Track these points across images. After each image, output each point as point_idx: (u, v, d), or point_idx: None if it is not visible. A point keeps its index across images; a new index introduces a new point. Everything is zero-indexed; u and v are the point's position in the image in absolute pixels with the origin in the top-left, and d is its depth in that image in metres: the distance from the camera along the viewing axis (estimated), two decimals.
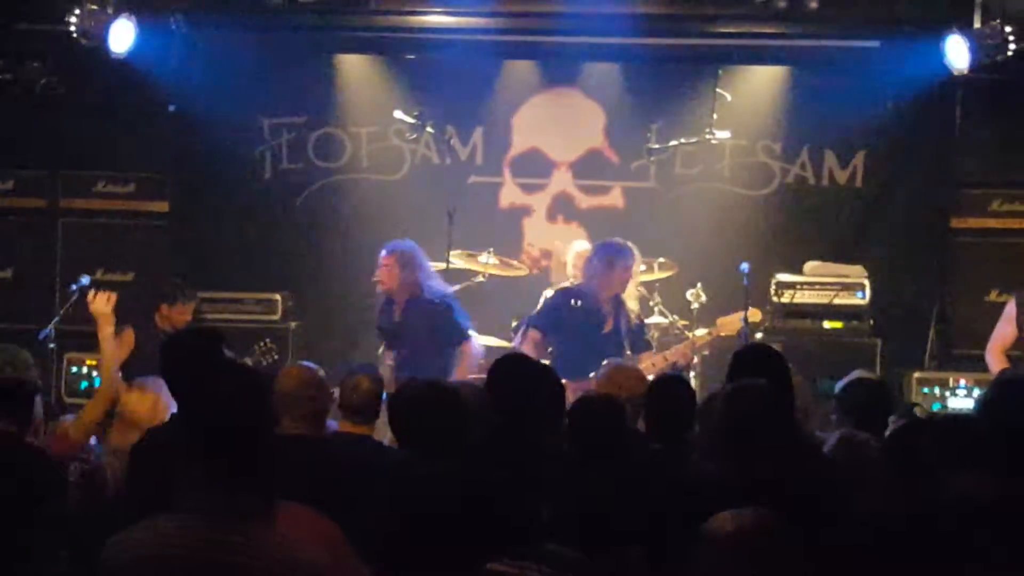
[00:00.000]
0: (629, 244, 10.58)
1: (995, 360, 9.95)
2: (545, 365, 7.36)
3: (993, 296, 12.37)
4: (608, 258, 10.48)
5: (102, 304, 9.06)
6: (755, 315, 10.87)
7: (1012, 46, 11.40)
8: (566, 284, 11.21)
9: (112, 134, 13.15)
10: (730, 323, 10.73)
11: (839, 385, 7.36)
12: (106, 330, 8.89)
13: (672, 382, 7.03)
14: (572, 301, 10.47)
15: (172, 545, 3.63)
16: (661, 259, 11.91)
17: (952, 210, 13.04)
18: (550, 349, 10.40)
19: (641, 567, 4.80)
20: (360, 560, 4.92)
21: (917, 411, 7.57)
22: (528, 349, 9.92)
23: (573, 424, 6.32)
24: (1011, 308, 9.98)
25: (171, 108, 13.15)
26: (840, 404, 7.20)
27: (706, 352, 11.18)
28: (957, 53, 11.47)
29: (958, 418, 5.88)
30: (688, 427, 6.66)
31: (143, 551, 3.66)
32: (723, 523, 3.96)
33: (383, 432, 6.95)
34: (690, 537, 4.09)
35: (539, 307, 11.01)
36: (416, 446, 5.92)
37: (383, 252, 10.61)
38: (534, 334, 10.39)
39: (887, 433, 6.69)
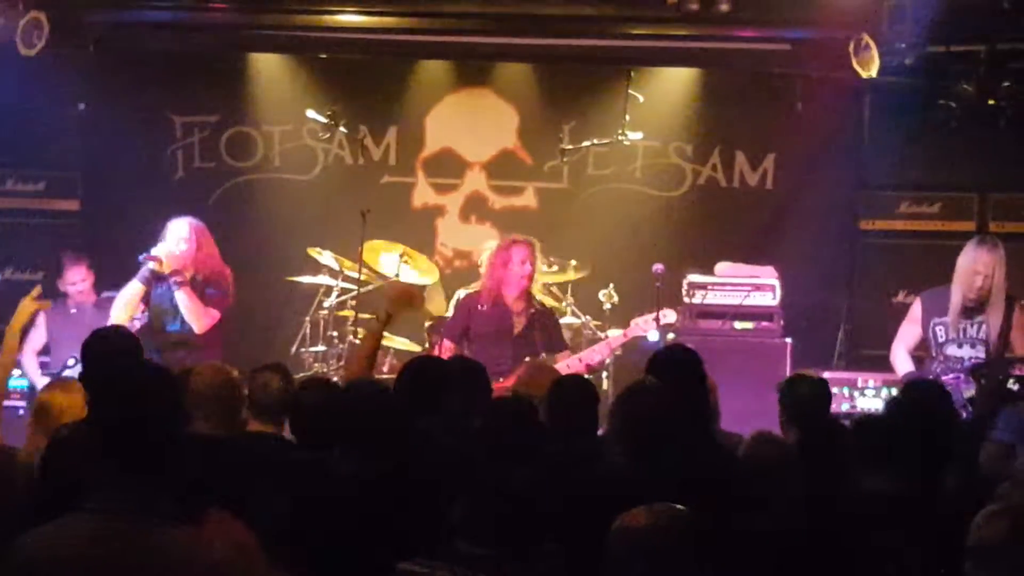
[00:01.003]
0: (525, 238, 10.61)
1: (900, 360, 10.05)
2: (462, 365, 7.38)
3: (901, 296, 12.50)
4: (502, 256, 10.51)
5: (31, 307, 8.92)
6: (670, 316, 10.92)
7: (919, 50, 11.54)
8: (475, 288, 11.22)
9: (22, 132, 13.00)
10: (644, 323, 10.78)
11: (781, 383, 7.44)
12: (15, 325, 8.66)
13: (571, 382, 7.07)
14: (479, 306, 10.49)
15: (82, 545, 3.61)
16: (574, 260, 11.95)
17: (860, 212, 13.18)
18: (466, 351, 10.42)
19: (555, 564, 4.82)
20: (271, 563, 4.90)
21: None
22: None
23: (486, 423, 6.33)
24: (916, 309, 10.07)
25: (81, 106, 13.05)
26: (781, 401, 7.27)
27: (619, 352, 11.22)
28: (865, 56, 11.58)
29: (871, 419, 5.94)
30: (593, 425, 6.71)
31: (52, 551, 3.64)
32: (637, 518, 3.99)
33: None
34: (604, 533, 4.11)
35: (451, 314, 11.05)
36: (330, 447, 5.90)
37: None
38: (447, 344, 10.41)
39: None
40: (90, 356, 6.64)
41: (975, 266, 9.71)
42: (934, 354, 9.83)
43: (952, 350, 9.75)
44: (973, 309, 9.74)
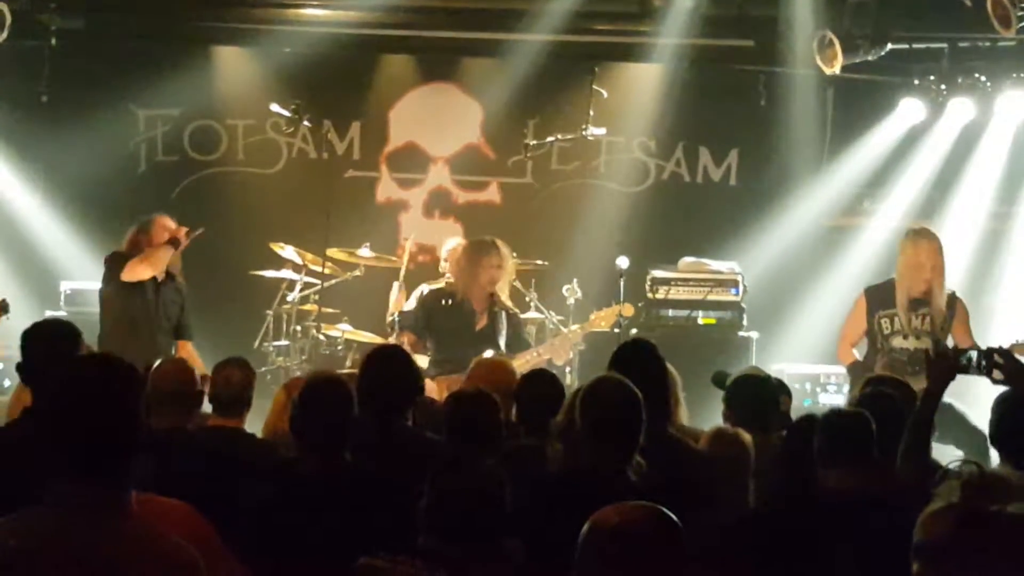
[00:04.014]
0: (497, 241, 10.59)
1: (844, 354, 10.18)
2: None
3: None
4: (474, 256, 10.49)
5: None
6: (628, 310, 10.94)
7: (882, 46, 11.59)
8: (439, 283, 11.20)
9: None
10: (604, 317, 10.79)
11: (729, 379, 7.43)
12: None
13: (540, 376, 7.07)
14: (442, 301, 10.47)
15: (39, 540, 3.58)
16: (538, 261, 11.95)
17: (823, 207, 13.21)
18: (428, 345, 10.42)
19: (518, 560, 4.82)
20: (233, 556, 4.90)
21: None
22: None
23: (448, 418, 6.33)
24: (861, 302, 10.20)
25: (44, 99, 12.99)
26: (727, 398, 7.27)
27: (582, 347, 11.24)
28: (829, 52, 11.61)
29: (836, 415, 5.95)
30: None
31: (7, 546, 3.62)
32: (608, 516, 3.98)
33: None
34: (567, 530, 4.11)
35: (412, 307, 11.03)
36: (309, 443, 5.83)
37: None
38: (408, 336, 10.39)
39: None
40: (30, 347, 6.48)
41: (919, 259, 9.87)
42: (879, 346, 9.93)
43: (898, 342, 9.86)
44: (918, 301, 9.86)
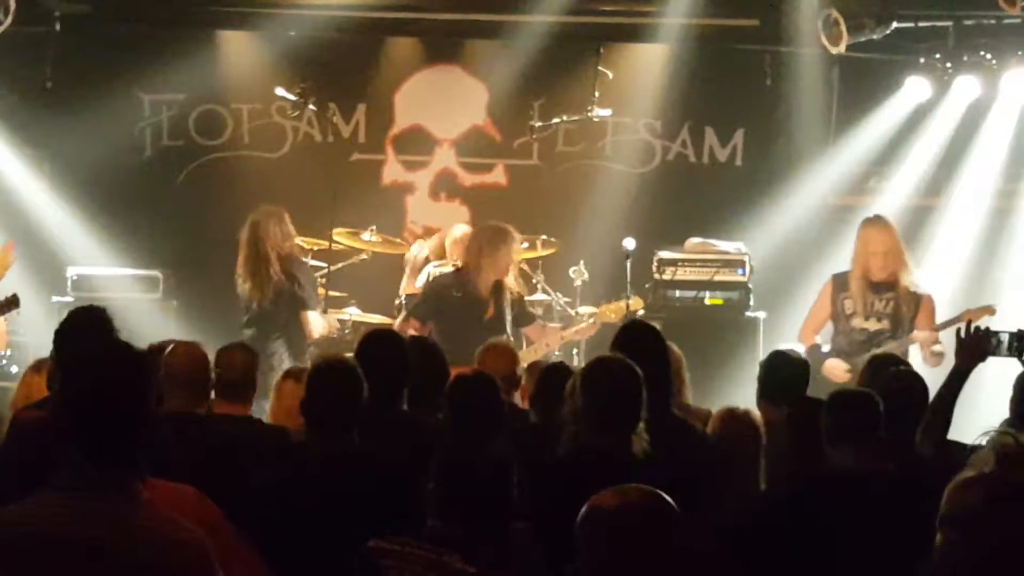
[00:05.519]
0: (509, 227, 10.59)
1: (806, 336, 10.38)
2: (422, 340, 7.37)
3: None
4: (496, 243, 10.47)
5: None
6: (637, 304, 10.97)
7: (887, 25, 11.58)
8: (448, 268, 11.13)
9: None
10: (613, 310, 10.82)
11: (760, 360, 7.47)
12: None
13: (555, 369, 7.10)
14: (452, 291, 10.44)
15: (50, 524, 3.59)
16: (543, 237, 11.93)
17: (830, 187, 13.18)
18: (429, 332, 10.38)
19: (525, 542, 4.83)
20: (242, 540, 4.90)
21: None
22: None
23: (451, 401, 6.33)
24: (828, 287, 10.36)
25: (49, 85, 12.98)
26: (758, 378, 7.30)
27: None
28: (834, 32, 11.60)
29: (843, 393, 5.97)
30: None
31: (20, 530, 3.63)
32: (605, 500, 3.99)
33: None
34: (573, 511, 4.12)
35: (421, 290, 11.01)
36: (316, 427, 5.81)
37: None
38: (413, 323, 10.38)
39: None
40: (61, 333, 6.57)
41: (869, 247, 10.14)
42: (840, 327, 10.10)
43: (857, 322, 10.05)
44: (881, 285, 10.01)
